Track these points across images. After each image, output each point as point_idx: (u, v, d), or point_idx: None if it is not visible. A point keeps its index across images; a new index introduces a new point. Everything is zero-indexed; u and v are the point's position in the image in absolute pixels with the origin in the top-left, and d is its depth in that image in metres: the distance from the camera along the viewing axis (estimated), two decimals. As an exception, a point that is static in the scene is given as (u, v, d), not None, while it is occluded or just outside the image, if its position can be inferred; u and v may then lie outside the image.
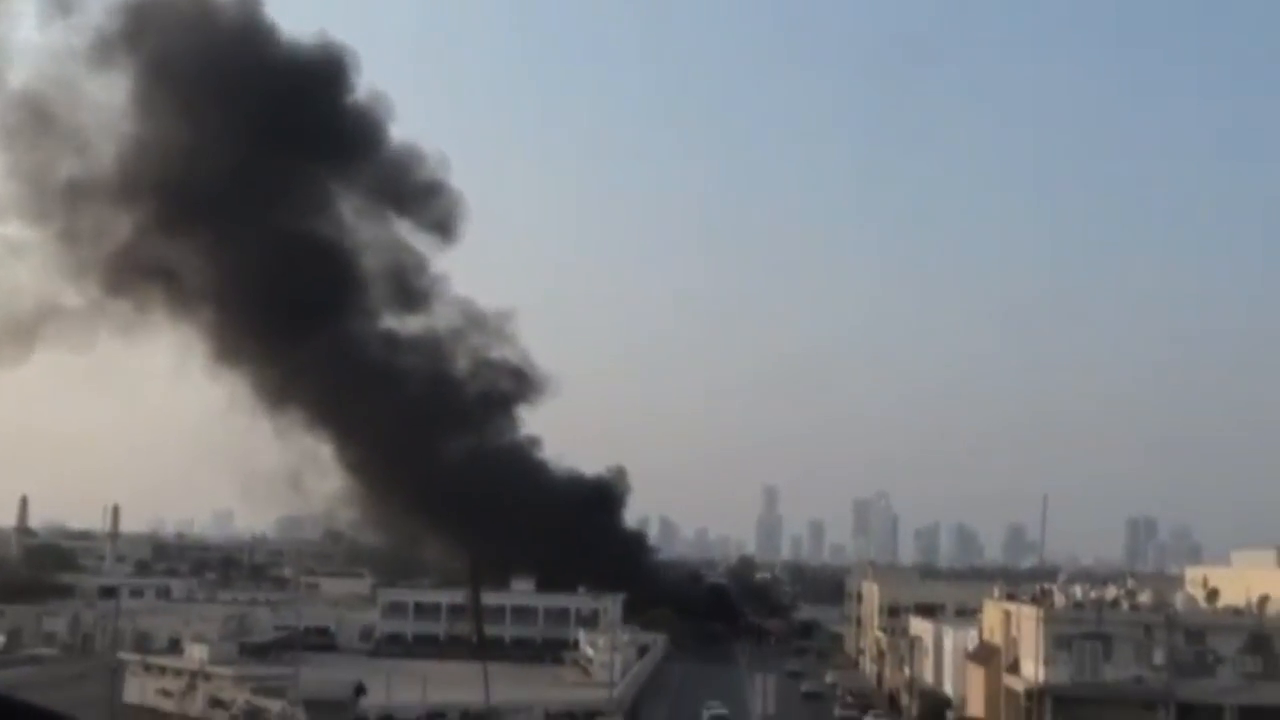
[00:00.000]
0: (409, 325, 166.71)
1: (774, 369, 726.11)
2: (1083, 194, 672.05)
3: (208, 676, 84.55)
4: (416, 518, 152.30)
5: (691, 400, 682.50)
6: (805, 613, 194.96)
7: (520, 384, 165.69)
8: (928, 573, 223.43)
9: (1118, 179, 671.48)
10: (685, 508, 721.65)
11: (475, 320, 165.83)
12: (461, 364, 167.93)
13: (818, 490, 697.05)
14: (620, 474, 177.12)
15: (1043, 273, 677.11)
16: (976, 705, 73.21)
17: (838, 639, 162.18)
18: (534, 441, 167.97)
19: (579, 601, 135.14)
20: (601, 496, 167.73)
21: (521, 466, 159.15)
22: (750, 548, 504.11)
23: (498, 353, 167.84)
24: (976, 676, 74.18)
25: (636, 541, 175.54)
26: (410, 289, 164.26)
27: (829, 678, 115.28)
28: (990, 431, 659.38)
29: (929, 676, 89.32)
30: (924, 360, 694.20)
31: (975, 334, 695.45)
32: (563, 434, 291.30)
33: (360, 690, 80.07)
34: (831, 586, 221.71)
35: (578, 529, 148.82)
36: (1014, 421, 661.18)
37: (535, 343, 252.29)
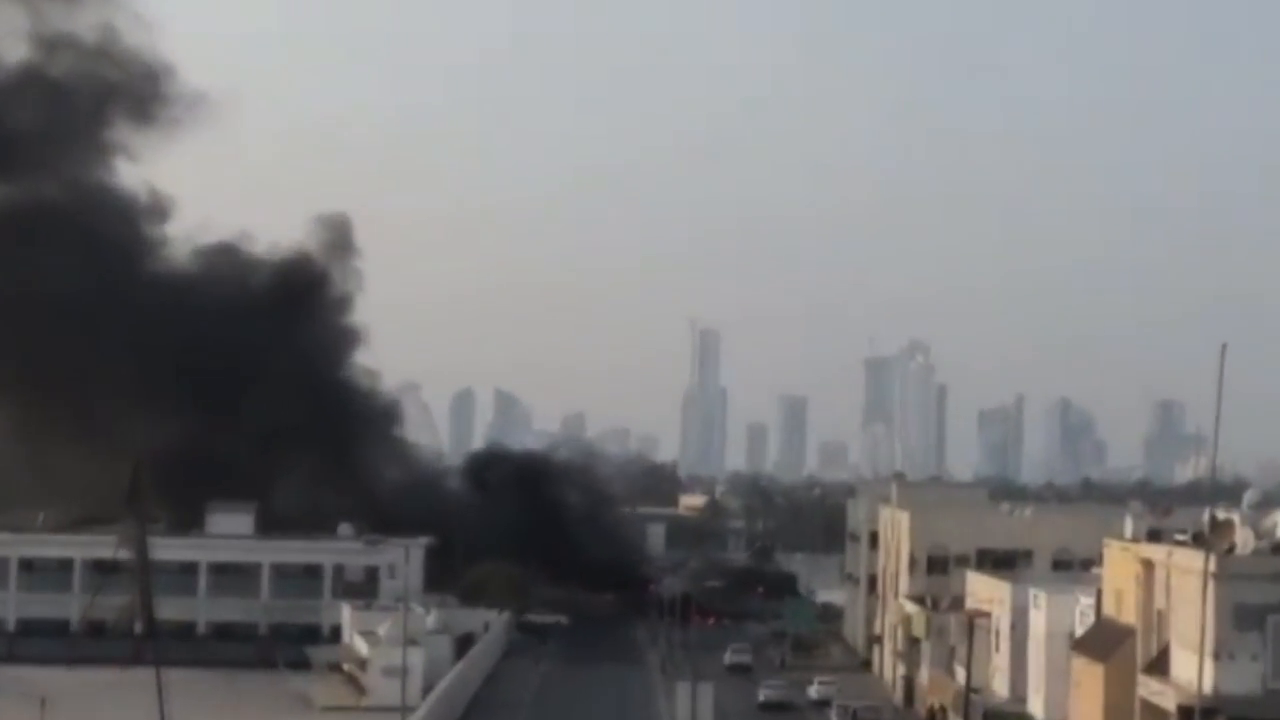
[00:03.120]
0: None
1: (706, 126, 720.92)
2: None
3: None
4: None
5: (538, 169, 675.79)
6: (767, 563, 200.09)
7: (141, 94, 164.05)
8: (1001, 492, 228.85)
9: None
10: (542, 377, 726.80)
11: None
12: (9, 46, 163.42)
13: (794, 340, 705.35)
14: (334, 235, 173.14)
15: None
16: (1088, 734, 75.46)
17: (831, 615, 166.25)
18: (157, 210, 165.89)
19: (341, 551, 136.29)
20: (285, 295, 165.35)
21: (103, 242, 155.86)
22: (670, 449, 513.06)
23: (92, 31, 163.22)
24: (1090, 681, 76.14)
25: (351, 400, 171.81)
26: None
27: (816, 687, 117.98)
28: (1111, 227, 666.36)
29: (1001, 683, 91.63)
30: (985, 109, 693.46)
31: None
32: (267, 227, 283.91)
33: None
34: (821, 519, 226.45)
35: (226, 367, 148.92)
36: (1155, 208, 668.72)
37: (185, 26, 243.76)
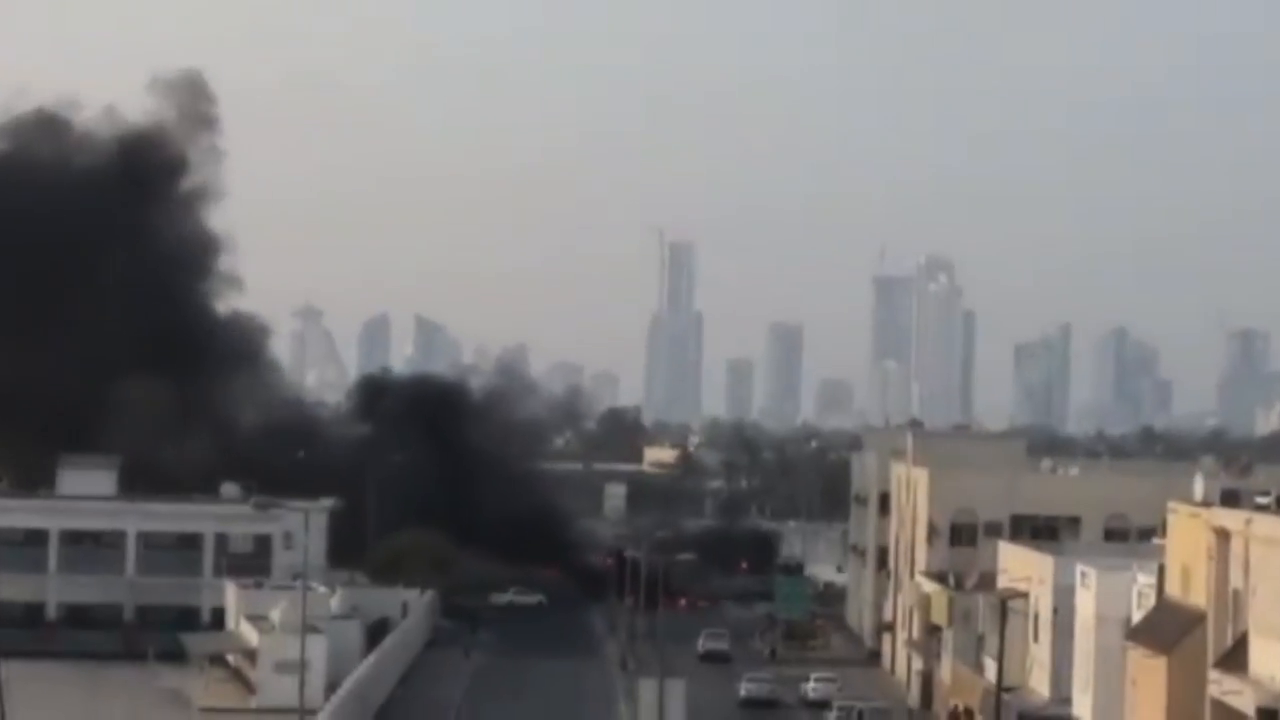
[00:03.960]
0: None
1: None
2: None
3: None
4: None
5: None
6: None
7: None
8: (1042, 444, 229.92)
9: None
10: (472, 300, 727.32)
11: None
12: None
13: (786, 255, 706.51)
14: (185, 101, 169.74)
15: None
16: (1146, 742, 75.85)
17: (832, 597, 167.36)
18: None
19: (224, 517, 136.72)
20: (123, 180, 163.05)
21: None
22: (632, 390, 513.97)
23: None
24: (1150, 677, 76.45)
25: (209, 318, 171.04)
26: None
27: (812, 685, 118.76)
28: (1176, 119, 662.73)
29: (1041, 680, 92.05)
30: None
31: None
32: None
33: None
34: (820, 478, 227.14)
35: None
36: (1229, 95, 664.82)
37: None
